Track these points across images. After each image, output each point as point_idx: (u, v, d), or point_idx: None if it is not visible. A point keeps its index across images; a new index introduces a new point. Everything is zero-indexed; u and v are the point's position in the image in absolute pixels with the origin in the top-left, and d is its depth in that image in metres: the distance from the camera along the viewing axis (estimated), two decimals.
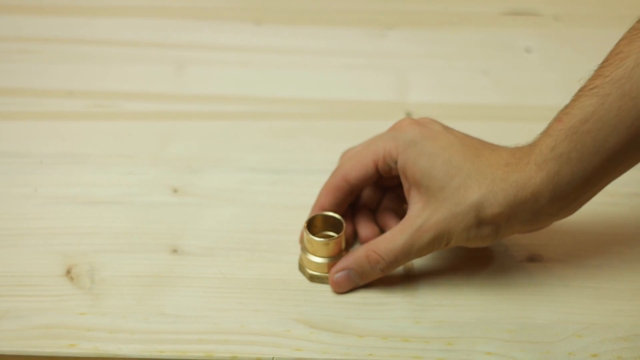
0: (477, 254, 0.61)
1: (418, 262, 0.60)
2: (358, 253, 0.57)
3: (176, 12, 0.88)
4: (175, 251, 0.61)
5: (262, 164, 0.69)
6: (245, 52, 0.82)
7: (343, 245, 0.59)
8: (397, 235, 0.56)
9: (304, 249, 0.59)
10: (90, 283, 0.58)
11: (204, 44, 0.83)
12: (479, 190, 0.54)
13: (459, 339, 0.55)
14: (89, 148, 0.70)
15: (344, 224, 0.59)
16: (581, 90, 0.53)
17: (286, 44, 0.84)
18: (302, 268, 0.59)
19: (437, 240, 0.55)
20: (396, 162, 0.57)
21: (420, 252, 0.56)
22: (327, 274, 0.58)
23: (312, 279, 0.59)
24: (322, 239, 0.58)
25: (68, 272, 0.59)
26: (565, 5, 0.90)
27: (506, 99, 0.76)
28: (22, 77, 0.78)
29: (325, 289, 0.58)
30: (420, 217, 0.55)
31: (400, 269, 0.59)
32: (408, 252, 0.55)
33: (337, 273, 0.57)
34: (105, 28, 0.85)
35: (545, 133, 0.54)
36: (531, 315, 0.57)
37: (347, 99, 0.77)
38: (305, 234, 0.58)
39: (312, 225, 0.59)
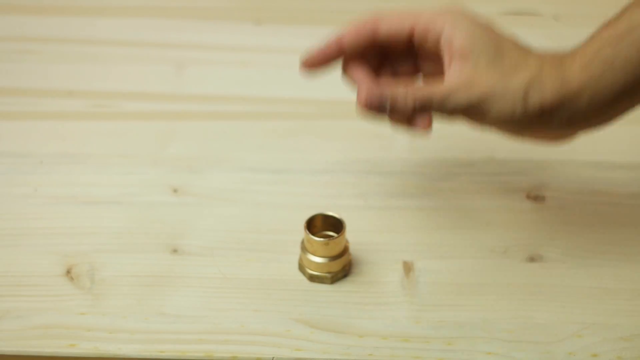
0: (477, 254, 0.61)
1: (418, 262, 0.60)
2: (396, 84, 0.54)
3: (176, 12, 0.88)
4: (175, 251, 0.61)
5: (262, 164, 0.69)
6: (245, 52, 0.82)
7: (343, 245, 0.59)
8: (435, 84, 0.53)
9: (304, 249, 0.59)
10: (90, 283, 0.58)
11: (204, 44, 0.83)
12: (529, 73, 0.53)
13: (459, 339, 0.55)
14: (89, 148, 0.70)
15: (344, 224, 0.59)
16: (631, 3, 0.53)
17: (286, 44, 0.84)
18: (302, 268, 0.59)
19: (476, 105, 0.53)
20: (437, 35, 0.54)
21: (454, 110, 0.53)
22: (327, 274, 0.58)
23: (312, 279, 0.59)
24: (322, 239, 0.58)
25: (68, 272, 0.59)
26: (565, 5, 0.90)
27: None
28: (22, 77, 0.78)
29: (326, 289, 0.58)
30: (463, 73, 0.53)
31: (400, 268, 0.59)
32: (443, 101, 0.53)
33: (371, 93, 0.54)
34: (105, 28, 0.85)
35: (590, 39, 0.54)
36: (531, 315, 0.57)
37: (347, 99, 0.77)
38: (305, 234, 0.58)
39: (312, 225, 0.59)
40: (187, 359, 0.54)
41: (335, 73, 0.80)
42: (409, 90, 0.54)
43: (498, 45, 0.54)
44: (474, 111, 0.53)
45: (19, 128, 0.72)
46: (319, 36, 0.85)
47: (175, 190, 0.66)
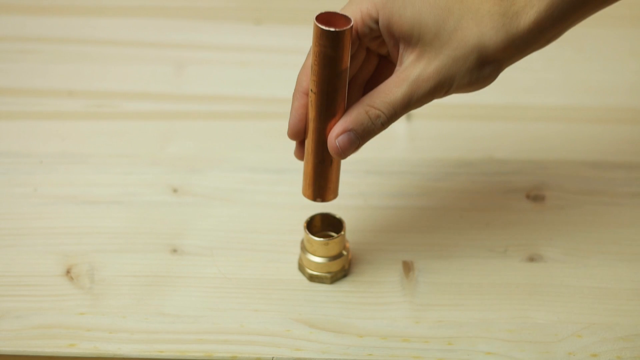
0: (477, 254, 0.61)
1: (418, 262, 0.60)
2: (356, 111, 0.52)
3: (176, 12, 0.87)
4: (175, 251, 0.61)
5: (262, 164, 0.69)
6: (245, 52, 0.82)
7: (343, 245, 0.59)
8: (393, 88, 0.52)
9: (304, 249, 0.59)
10: (90, 283, 0.58)
11: (204, 44, 0.83)
12: (478, 29, 0.51)
13: (459, 339, 0.55)
14: (89, 148, 0.70)
15: (344, 224, 0.59)
16: None
17: (286, 44, 0.83)
18: (301, 268, 0.59)
19: (438, 89, 0.51)
20: (377, 22, 0.52)
21: (419, 103, 0.52)
22: (326, 274, 0.58)
23: (312, 278, 0.59)
24: (321, 239, 0.58)
25: (68, 272, 0.59)
26: None
27: (506, 99, 0.76)
28: (22, 77, 0.78)
29: (325, 289, 0.58)
30: (417, 67, 0.51)
31: (400, 268, 0.59)
32: (408, 104, 0.52)
33: (338, 137, 0.52)
34: (105, 28, 0.84)
35: None
36: (531, 315, 0.57)
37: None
38: (305, 234, 0.58)
39: (312, 225, 0.59)
40: (186, 359, 0.54)
41: None
42: (369, 111, 0.52)
43: (435, 7, 0.51)
44: (436, 95, 0.52)
45: (19, 128, 0.72)
46: None
47: (175, 190, 0.66)
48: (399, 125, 0.72)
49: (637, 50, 0.81)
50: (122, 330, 0.55)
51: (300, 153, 0.56)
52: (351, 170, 0.67)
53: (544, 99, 0.76)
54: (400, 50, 0.52)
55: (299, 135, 0.55)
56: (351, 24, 0.49)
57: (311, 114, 0.53)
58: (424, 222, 0.64)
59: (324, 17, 0.50)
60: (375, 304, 0.57)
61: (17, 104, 0.75)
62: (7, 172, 0.67)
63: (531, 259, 0.61)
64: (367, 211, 0.64)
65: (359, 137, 0.52)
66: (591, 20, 0.88)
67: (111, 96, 0.76)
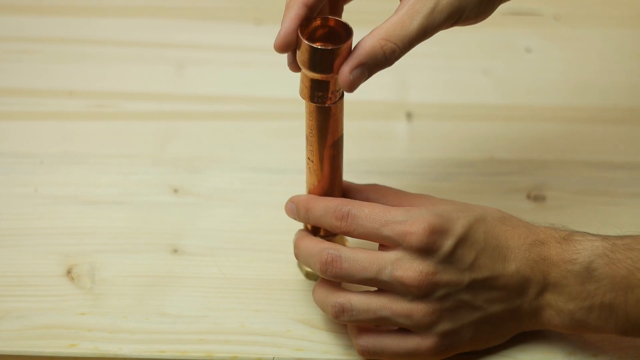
0: None
1: None
2: (369, 45, 0.51)
3: (176, 12, 0.87)
4: (175, 251, 0.61)
5: (262, 164, 0.69)
6: (245, 52, 0.82)
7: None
8: (407, 21, 0.52)
9: None
10: (90, 283, 0.58)
11: (204, 44, 0.83)
12: None
13: None
14: (89, 148, 0.70)
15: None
16: None
17: None
18: (300, 265, 0.60)
19: (450, 19, 0.52)
20: None
21: (432, 33, 0.52)
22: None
23: (308, 276, 0.59)
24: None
25: (68, 272, 0.59)
26: (565, 5, 0.90)
27: (506, 99, 0.77)
28: (22, 77, 0.78)
29: None
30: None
31: None
32: (422, 35, 0.52)
33: (353, 71, 0.51)
34: (105, 28, 0.84)
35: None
36: None
37: (347, 99, 0.77)
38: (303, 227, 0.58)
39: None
40: (187, 359, 0.54)
41: None
42: (385, 45, 0.51)
43: None
44: (447, 26, 0.53)
45: (19, 128, 0.72)
46: None
47: (175, 190, 0.66)
48: (399, 125, 0.72)
49: (637, 50, 0.81)
50: (123, 330, 0.55)
51: (294, 67, 0.54)
52: (351, 170, 0.67)
53: (544, 99, 0.76)
54: None
55: (289, 46, 0.53)
56: (342, 96, 0.50)
57: (311, 179, 0.55)
58: None
59: None
60: None
61: (17, 104, 0.75)
62: (7, 172, 0.67)
63: None
64: None
65: (371, 69, 0.52)
66: (591, 20, 0.88)
67: (111, 96, 0.76)
